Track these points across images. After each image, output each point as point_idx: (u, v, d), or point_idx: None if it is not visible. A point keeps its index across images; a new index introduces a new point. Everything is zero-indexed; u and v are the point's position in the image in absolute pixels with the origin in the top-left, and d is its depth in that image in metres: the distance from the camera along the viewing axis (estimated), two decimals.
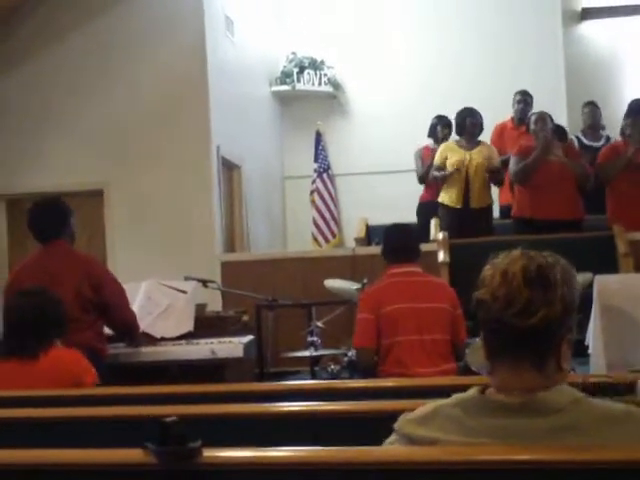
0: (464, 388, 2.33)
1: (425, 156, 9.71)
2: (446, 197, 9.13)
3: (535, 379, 2.18)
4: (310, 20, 11.77)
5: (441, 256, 8.31)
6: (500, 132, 9.99)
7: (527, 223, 8.79)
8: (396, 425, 2.32)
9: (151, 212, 9.46)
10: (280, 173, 11.90)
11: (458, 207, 9.03)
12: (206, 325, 6.90)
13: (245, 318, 7.47)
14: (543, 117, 8.91)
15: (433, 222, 9.64)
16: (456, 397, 2.28)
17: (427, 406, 2.31)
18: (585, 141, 9.79)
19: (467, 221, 8.89)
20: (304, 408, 3.47)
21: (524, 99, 9.99)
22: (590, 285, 6.27)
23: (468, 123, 9.16)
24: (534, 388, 2.17)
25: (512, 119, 10.10)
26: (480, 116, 9.23)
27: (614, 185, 8.69)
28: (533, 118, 9.02)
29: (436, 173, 9.16)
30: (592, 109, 10.09)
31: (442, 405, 2.28)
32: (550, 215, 8.60)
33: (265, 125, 11.59)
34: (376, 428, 2.44)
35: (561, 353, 2.20)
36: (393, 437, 2.33)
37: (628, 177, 8.53)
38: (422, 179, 9.86)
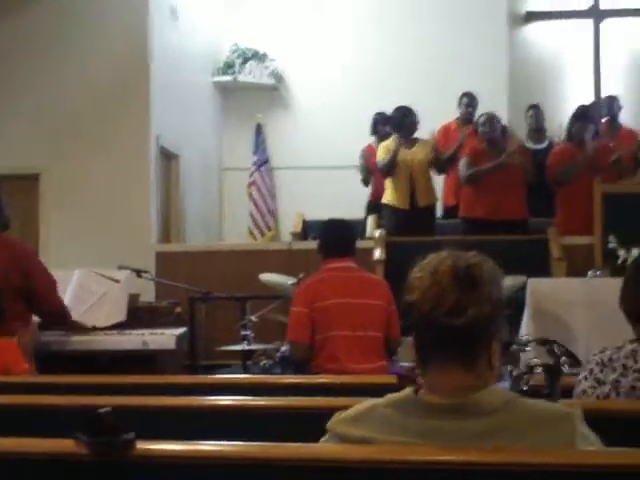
0: (398, 387, 2.33)
1: (370, 156, 9.73)
2: (391, 197, 9.14)
3: (466, 378, 2.18)
4: (255, 12, 11.73)
5: (377, 254, 8.33)
6: (445, 133, 10.03)
7: (474, 223, 8.85)
8: (329, 424, 2.32)
9: (87, 199, 9.36)
10: (219, 164, 11.85)
11: (405, 208, 9.04)
12: (139, 316, 6.85)
13: (178, 310, 7.43)
14: (492, 119, 8.98)
15: (370, 219, 9.66)
16: (389, 397, 2.28)
17: (360, 405, 2.31)
18: (528, 144, 9.87)
19: (413, 221, 8.91)
20: (237, 402, 3.45)
21: (470, 101, 10.04)
22: (523, 288, 6.32)
23: (407, 122, 9.19)
24: (466, 388, 2.18)
25: (457, 120, 10.14)
26: (416, 115, 9.23)
27: (564, 188, 8.78)
28: (481, 120, 9.09)
29: (386, 160, 9.05)
30: (536, 112, 10.18)
31: (375, 405, 2.28)
32: (497, 215, 8.67)
33: (205, 115, 11.53)
34: (309, 425, 2.43)
35: (491, 351, 2.21)
36: (326, 437, 2.33)
37: (578, 180, 8.62)
38: (366, 181, 9.91)
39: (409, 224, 8.87)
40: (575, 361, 2.91)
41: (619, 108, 10.13)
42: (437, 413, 2.18)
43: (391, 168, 9.03)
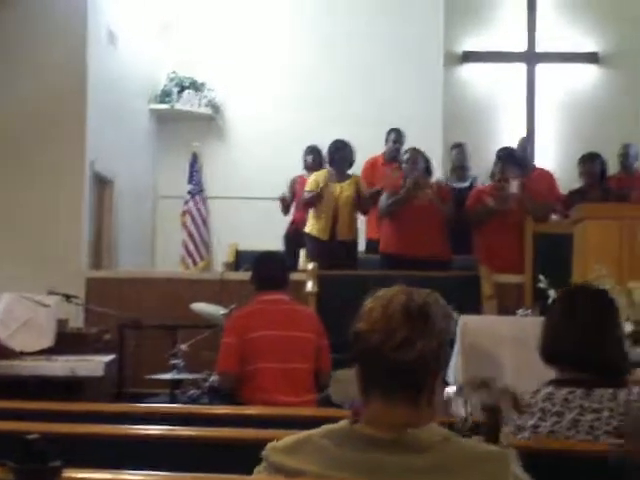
0: (327, 420, 2.33)
1: (298, 187, 9.76)
2: (313, 228, 9.17)
3: (407, 414, 2.18)
4: (193, 41, 11.72)
5: (309, 286, 8.34)
6: (371, 167, 10.09)
7: (393, 259, 8.89)
8: (264, 452, 2.30)
9: (19, 223, 9.25)
10: (153, 191, 11.79)
11: (325, 239, 9.07)
12: (67, 341, 6.79)
13: (107, 337, 7.37)
14: (415, 157, 9.03)
15: (303, 252, 9.67)
16: (326, 428, 2.27)
17: (296, 435, 2.29)
18: (451, 182, 9.95)
19: (333, 253, 8.93)
20: (165, 432, 3.43)
21: (397, 137, 10.10)
22: (455, 324, 6.35)
23: (337, 157, 9.23)
24: (405, 423, 2.17)
25: (383, 155, 10.20)
26: (350, 150, 9.28)
27: (482, 228, 8.86)
28: (405, 157, 9.14)
29: (307, 195, 9.17)
30: (460, 150, 10.28)
31: (311, 435, 2.27)
32: (416, 253, 8.70)
33: (141, 142, 11.48)
34: (236, 456, 2.42)
35: (433, 389, 2.23)
36: (262, 465, 2.31)
37: (496, 220, 8.71)
38: (286, 209, 9.95)
39: (329, 255, 8.88)
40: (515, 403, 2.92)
41: (532, 150, 10.32)
42: (374, 447, 2.17)
43: (312, 203, 9.09)
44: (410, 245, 8.77)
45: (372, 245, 9.87)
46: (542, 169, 10.16)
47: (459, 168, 10.23)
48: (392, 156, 10.02)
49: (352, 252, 9.27)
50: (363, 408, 2.24)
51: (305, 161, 10.05)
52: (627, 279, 5.68)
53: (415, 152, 9.09)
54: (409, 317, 2.19)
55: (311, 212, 9.21)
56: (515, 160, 9.14)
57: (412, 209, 8.79)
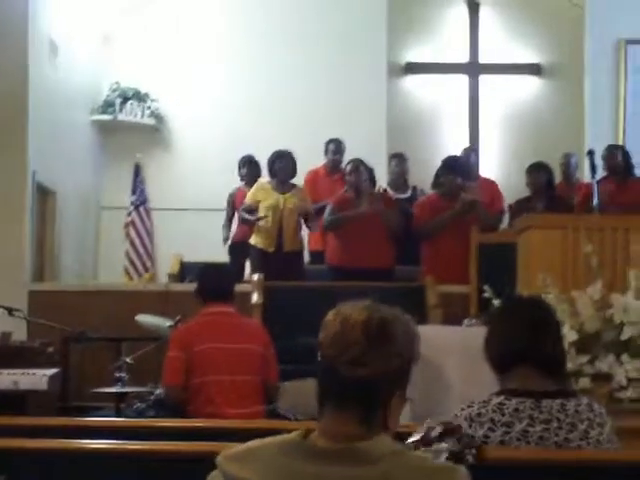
0: (274, 432, 2.32)
1: (238, 200, 9.73)
2: (258, 240, 9.16)
3: (357, 429, 2.17)
4: (136, 52, 11.65)
5: (255, 297, 8.32)
6: (313, 178, 10.10)
7: (338, 270, 8.91)
8: (217, 459, 2.28)
9: None
10: (96, 203, 11.69)
11: (270, 250, 9.06)
12: (10, 355, 6.71)
13: (51, 350, 7.29)
14: (357, 168, 9.05)
15: (248, 263, 9.64)
16: (278, 438, 2.25)
17: (249, 444, 2.27)
18: (391, 192, 9.97)
19: (279, 264, 8.92)
20: (110, 446, 3.39)
21: (336, 148, 10.11)
22: None
23: (277, 167, 9.22)
24: (355, 437, 2.17)
25: (325, 167, 10.21)
26: (291, 160, 9.25)
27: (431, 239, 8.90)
28: (348, 168, 9.16)
29: (246, 215, 9.16)
30: (399, 161, 10.30)
31: (263, 444, 2.25)
32: (361, 264, 8.72)
33: (84, 153, 11.39)
34: (183, 469, 2.40)
35: (389, 409, 2.21)
36: (215, 472, 2.29)
37: (445, 230, 8.75)
38: (227, 223, 9.96)
39: (275, 267, 8.87)
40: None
41: (477, 160, 10.40)
42: (324, 458, 2.16)
43: (251, 225, 9.09)
44: (356, 256, 8.80)
45: (316, 256, 9.88)
46: (486, 179, 10.24)
47: (398, 178, 10.24)
48: (333, 167, 10.03)
49: (298, 263, 9.27)
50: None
51: (240, 173, 10.03)
52: (571, 288, 5.72)
53: (357, 164, 9.12)
54: (367, 334, 2.18)
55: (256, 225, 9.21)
56: (461, 169, 9.20)
57: (358, 220, 8.82)
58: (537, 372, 3.23)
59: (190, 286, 6.80)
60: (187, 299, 6.96)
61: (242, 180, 10.04)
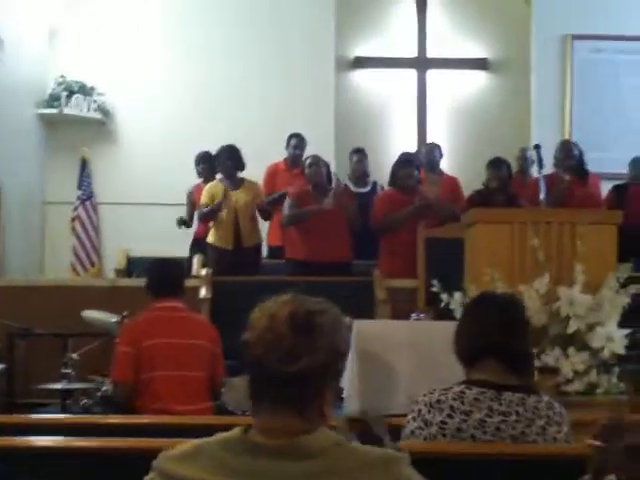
0: (222, 428, 2.31)
1: (197, 196, 9.69)
2: (216, 238, 9.12)
3: (295, 424, 2.17)
4: (82, 45, 11.54)
5: (203, 292, 8.29)
6: (273, 173, 10.10)
7: (299, 265, 8.91)
8: (155, 462, 2.27)
9: None
10: (42, 198, 11.58)
11: (229, 248, 9.04)
12: None
13: None
14: (317, 162, 9.08)
15: (196, 258, 9.60)
16: (219, 436, 2.25)
17: (189, 444, 2.27)
18: (352, 187, 9.99)
19: (238, 261, 8.90)
20: (56, 443, 3.36)
21: (297, 143, 10.11)
22: (349, 330, 6.38)
23: (221, 164, 9.19)
24: (294, 431, 2.17)
25: (285, 161, 10.20)
26: (235, 154, 9.21)
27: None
28: (307, 162, 9.17)
29: (205, 210, 9.14)
30: (360, 156, 10.31)
31: (204, 443, 2.25)
32: (321, 257, 8.74)
33: (29, 148, 11.27)
34: (131, 466, 2.38)
35: (324, 400, 2.21)
36: (151, 475, 2.28)
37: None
38: (189, 222, 9.92)
39: (233, 264, 8.86)
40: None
41: (441, 155, 10.41)
42: (265, 454, 2.16)
43: (212, 218, 9.06)
44: (316, 250, 8.81)
45: (275, 251, 9.87)
46: (449, 175, 10.28)
47: (360, 173, 10.26)
48: (293, 162, 10.02)
49: (256, 258, 9.26)
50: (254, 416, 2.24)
51: (197, 170, 10.00)
52: (518, 282, 5.76)
53: (317, 159, 9.14)
54: (294, 328, 2.17)
55: (212, 222, 9.18)
56: (415, 165, 9.24)
57: (317, 215, 8.83)
58: (502, 367, 3.28)
59: (137, 281, 6.77)
60: (134, 294, 6.91)
61: (200, 176, 9.99)
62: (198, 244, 9.76)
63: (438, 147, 10.49)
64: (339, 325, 2.26)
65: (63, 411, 6.13)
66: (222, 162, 9.16)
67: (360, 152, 10.34)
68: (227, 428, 2.27)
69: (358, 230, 8.99)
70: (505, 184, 8.95)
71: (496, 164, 9.05)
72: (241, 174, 9.27)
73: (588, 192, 9.13)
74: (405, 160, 9.29)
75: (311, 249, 8.87)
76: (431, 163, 10.17)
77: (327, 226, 8.79)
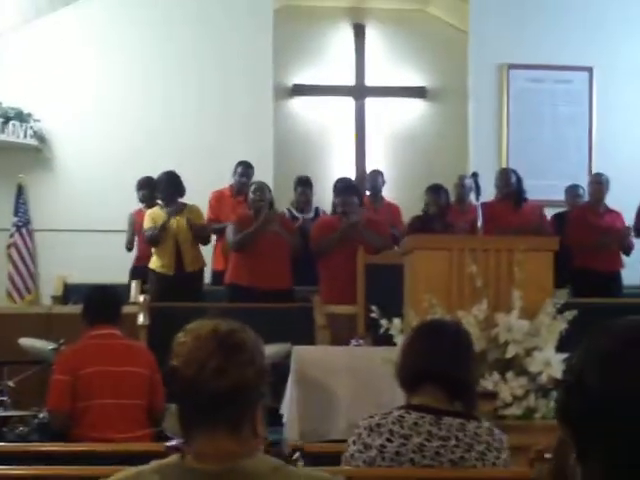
0: (160, 455, 2.29)
1: (138, 221, 9.63)
2: (158, 263, 9.08)
3: (231, 445, 2.17)
4: (19, 71, 11.46)
5: (141, 319, 8.23)
6: (218, 199, 10.05)
7: (241, 291, 8.87)
8: None
9: None
10: None
11: (170, 274, 9.00)
12: None
13: None
14: (262, 188, 9.08)
15: (134, 284, 9.53)
16: (156, 463, 2.24)
17: (126, 472, 2.25)
18: (296, 214, 10.01)
19: (180, 286, 8.86)
20: None
21: (244, 171, 10.05)
22: (288, 355, 6.38)
23: (160, 191, 9.16)
24: (231, 455, 2.16)
25: (231, 188, 10.14)
26: (176, 180, 9.17)
27: (326, 258, 8.92)
28: (252, 188, 9.16)
29: (150, 232, 9.07)
30: (304, 189, 10.28)
31: (142, 471, 2.23)
32: (262, 284, 8.72)
33: None
34: None
35: (256, 418, 2.22)
36: None
37: (339, 250, 8.78)
38: (129, 246, 9.85)
39: (175, 290, 8.81)
40: None
41: (383, 182, 10.47)
42: None
43: (156, 242, 9.01)
44: (257, 277, 8.78)
45: (219, 276, 9.83)
46: (391, 202, 10.33)
47: (303, 204, 10.27)
48: (239, 189, 9.97)
49: (198, 283, 9.22)
50: (184, 445, 2.22)
51: (139, 195, 9.95)
52: (456, 308, 5.79)
53: (261, 185, 9.15)
54: (220, 346, 2.19)
55: (154, 249, 9.13)
56: (353, 191, 9.25)
57: (260, 241, 8.81)
58: (443, 393, 3.30)
59: (74, 308, 6.71)
60: (71, 321, 6.85)
61: (142, 202, 9.92)
62: (138, 270, 9.69)
63: (381, 174, 10.56)
64: (259, 343, 2.29)
65: None
66: (163, 188, 9.13)
67: (304, 183, 10.33)
68: (166, 455, 2.25)
69: (299, 255, 9.00)
70: (443, 210, 9.01)
71: (435, 190, 9.13)
72: (182, 199, 9.24)
73: (524, 219, 9.22)
74: (341, 187, 9.31)
75: (251, 275, 8.85)
76: (374, 189, 10.23)
77: (267, 253, 8.78)
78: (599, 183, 9.66)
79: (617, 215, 9.63)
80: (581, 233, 9.17)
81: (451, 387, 3.31)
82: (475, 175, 7.69)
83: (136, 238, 9.79)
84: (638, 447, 1.32)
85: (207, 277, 9.83)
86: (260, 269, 8.77)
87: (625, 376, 1.29)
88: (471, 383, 3.46)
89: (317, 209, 10.25)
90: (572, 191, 10.26)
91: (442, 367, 3.31)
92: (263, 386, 2.25)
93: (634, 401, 1.30)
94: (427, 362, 3.33)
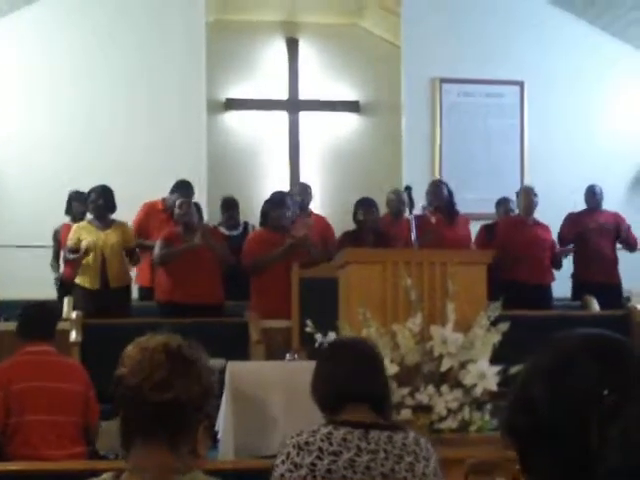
0: (95, 472, 2.27)
1: (64, 236, 9.52)
2: (83, 279, 9.00)
3: (168, 460, 2.16)
4: None
5: (73, 335, 8.14)
6: (148, 212, 9.95)
7: (169, 306, 8.81)
8: None
9: None
10: None
11: (95, 288, 8.92)
12: None
13: None
14: (188, 203, 9.04)
15: (66, 300, 9.44)
16: None
17: None
18: (223, 230, 9.96)
19: (105, 302, 8.77)
20: None
21: (182, 190, 9.95)
22: (223, 371, 6.36)
23: (93, 204, 9.08)
24: (167, 469, 2.15)
25: (163, 202, 10.04)
26: (109, 195, 9.11)
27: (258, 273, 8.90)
28: (178, 202, 9.11)
29: (69, 255, 9.00)
30: (231, 212, 10.25)
31: None
32: (192, 300, 8.66)
33: None
34: None
35: (198, 437, 2.20)
36: None
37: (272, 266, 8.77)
38: (54, 263, 9.74)
39: (101, 305, 8.72)
40: None
41: (311, 196, 10.49)
42: None
43: (77, 263, 8.95)
44: (187, 292, 8.72)
45: (145, 292, 9.75)
46: (317, 215, 10.33)
47: (229, 217, 10.23)
48: (172, 205, 9.88)
49: (124, 300, 9.14)
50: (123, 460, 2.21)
51: (68, 207, 9.83)
52: (391, 322, 5.81)
53: (186, 200, 9.10)
54: (168, 358, 2.19)
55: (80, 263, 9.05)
56: (288, 203, 9.23)
57: (188, 256, 8.76)
58: (364, 408, 3.31)
59: (5, 325, 6.62)
60: (3, 338, 6.77)
61: (68, 214, 9.81)
62: (65, 286, 9.59)
63: (309, 187, 10.57)
64: (208, 363, 2.28)
65: None
66: (94, 201, 9.05)
67: (230, 205, 10.28)
68: (100, 473, 2.23)
69: (229, 269, 8.95)
70: (374, 223, 9.04)
71: (365, 203, 9.16)
72: (112, 215, 9.18)
73: (457, 233, 9.29)
74: (278, 200, 9.28)
75: (182, 291, 8.79)
76: (302, 203, 10.22)
77: (198, 268, 8.73)
78: (527, 195, 9.76)
79: (546, 228, 9.72)
80: (510, 245, 9.23)
81: (373, 403, 3.34)
82: (408, 188, 7.73)
83: (62, 254, 9.67)
84: (582, 461, 1.33)
85: (134, 293, 9.73)
86: (188, 284, 8.71)
87: (569, 391, 1.30)
88: (388, 396, 3.51)
89: (246, 224, 10.19)
90: (502, 204, 10.36)
91: (364, 387, 3.34)
92: (208, 406, 2.24)
93: (578, 416, 1.31)
94: (349, 383, 3.34)
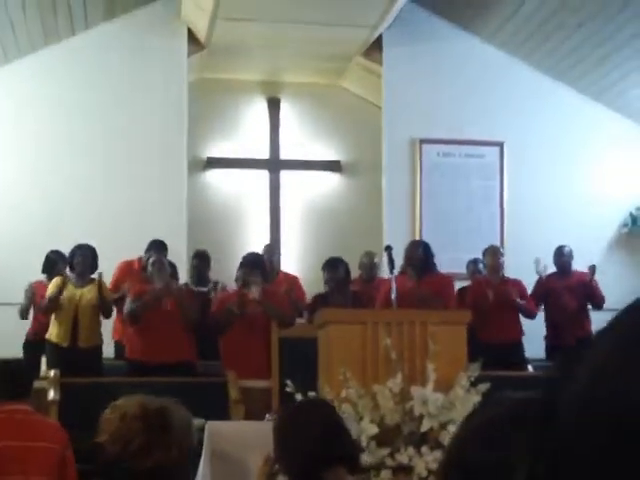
0: None
1: (37, 292, 9.47)
2: (54, 334, 8.96)
3: None
4: None
5: (51, 394, 8.08)
6: (126, 270, 9.93)
7: (140, 366, 8.76)
8: None
9: None
10: None
11: (65, 345, 8.87)
12: None
13: None
14: (160, 260, 9.02)
15: (44, 358, 9.36)
16: None
17: None
18: (192, 286, 9.95)
19: (75, 360, 8.72)
20: None
21: (157, 249, 9.92)
22: (201, 430, 6.30)
23: (76, 261, 9.11)
24: None
25: (139, 260, 10.03)
26: (91, 254, 9.18)
27: (229, 333, 8.86)
28: (150, 260, 9.09)
29: (47, 301, 8.97)
30: (201, 259, 10.28)
31: None
32: (163, 358, 8.61)
33: None
34: None
35: None
36: None
37: (242, 325, 8.74)
38: (24, 313, 9.65)
39: (70, 362, 8.66)
40: None
41: (279, 256, 10.55)
42: None
43: (50, 308, 8.91)
44: (156, 350, 8.68)
45: (120, 348, 9.70)
46: (287, 273, 10.33)
47: (199, 274, 10.23)
48: (145, 266, 9.88)
49: (95, 359, 9.08)
50: None
51: (46, 265, 9.79)
52: (371, 382, 5.80)
53: (159, 258, 9.09)
54: (146, 425, 2.16)
55: (52, 318, 9.01)
56: (258, 266, 9.20)
57: (157, 314, 8.72)
58: (342, 469, 3.26)
59: None
60: None
61: (44, 272, 9.76)
62: (31, 344, 9.51)
63: (277, 247, 10.63)
64: (189, 423, 2.26)
65: None
66: (81, 254, 9.05)
67: (200, 255, 10.31)
68: None
69: (196, 329, 8.91)
70: (342, 284, 9.02)
71: (331, 264, 9.15)
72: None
73: (421, 289, 9.23)
74: (248, 260, 9.26)
75: (151, 349, 8.74)
76: (270, 262, 10.11)
77: (167, 326, 8.71)
78: (493, 255, 9.82)
79: (515, 282, 9.74)
80: (477, 306, 9.17)
81: (345, 462, 3.30)
82: (389, 248, 7.75)
83: (31, 311, 9.61)
84: None
85: (110, 350, 9.67)
86: (159, 342, 8.68)
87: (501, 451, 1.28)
88: (358, 451, 3.50)
89: (216, 282, 10.12)
90: (472, 265, 10.42)
91: (341, 448, 3.30)
92: (187, 468, 2.22)
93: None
94: (325, 447, 3.27)
